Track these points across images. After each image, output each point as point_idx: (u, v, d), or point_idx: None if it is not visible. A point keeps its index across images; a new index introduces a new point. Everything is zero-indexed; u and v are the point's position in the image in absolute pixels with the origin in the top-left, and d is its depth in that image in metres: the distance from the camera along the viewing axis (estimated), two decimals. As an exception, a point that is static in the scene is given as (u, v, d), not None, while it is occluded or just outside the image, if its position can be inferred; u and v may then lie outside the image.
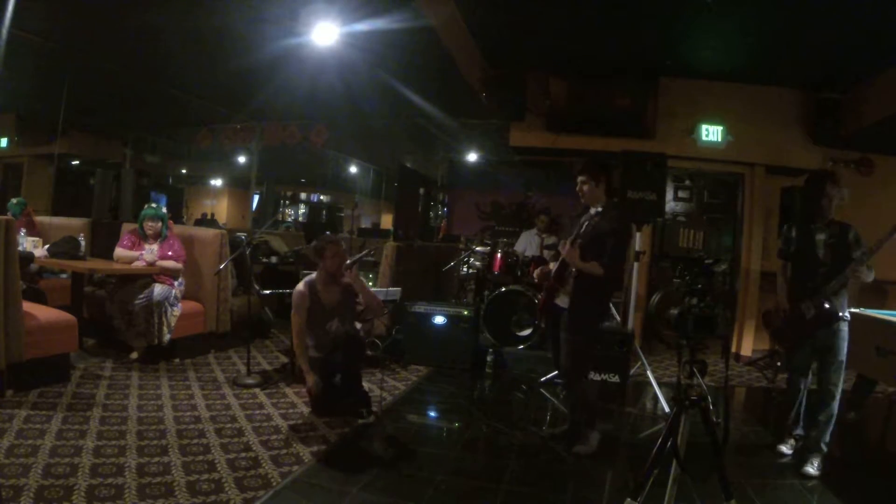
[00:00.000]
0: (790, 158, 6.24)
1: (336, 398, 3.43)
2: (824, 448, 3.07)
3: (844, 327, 3.07)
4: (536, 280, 3.39)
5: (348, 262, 3.51)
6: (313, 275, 3.52)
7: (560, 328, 3.16)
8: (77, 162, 10.37)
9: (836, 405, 3.07)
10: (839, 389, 3.07)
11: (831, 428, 3.08)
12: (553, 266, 3.23)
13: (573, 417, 3.32)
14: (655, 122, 6.22)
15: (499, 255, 6.03)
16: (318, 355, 3.45)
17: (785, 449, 3.32)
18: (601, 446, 3.19)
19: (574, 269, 3.07)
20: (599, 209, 3.16)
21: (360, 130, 9.59)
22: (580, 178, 3.21)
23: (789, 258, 3.33)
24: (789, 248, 3.32)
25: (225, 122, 9.49)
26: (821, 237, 3.13)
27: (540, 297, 3.41)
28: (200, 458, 2.67)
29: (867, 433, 4.15)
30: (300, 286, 3.43)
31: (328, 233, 5.00)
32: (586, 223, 3.16)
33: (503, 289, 5.75)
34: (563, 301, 3.16)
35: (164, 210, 4.64)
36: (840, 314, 3.03)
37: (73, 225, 5.40)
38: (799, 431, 3.34)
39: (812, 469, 2.99)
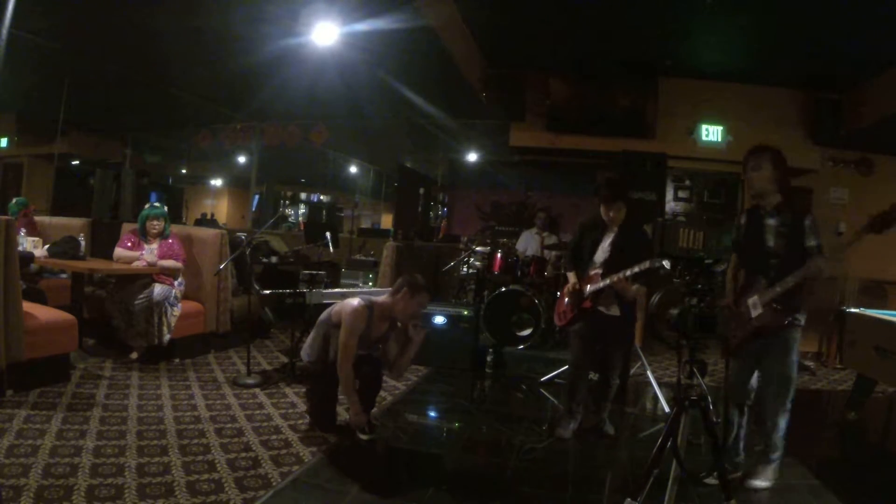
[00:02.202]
0: (790, 158, 6.09)
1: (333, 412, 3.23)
2: (773, 459, 2.69)
3: (795, 334, 2.61)
4: (564, 292, 3.53)
5: (419, 322, 3.12)
6: (375, 298, 3.09)
7: (607, 331, 3.37)
8: (77, 162, 10.36)
9: (778, 430, 2.64)
10: (783, 410, 2.62)
11: (780, 452, 2.68)
12: (589, 287, 3.37)
13: (601, 407, 3.49)
14: (655, 122, 6.22)
15: (499, 255, 6.03)
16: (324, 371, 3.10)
17: (711, 480, 2.54)
18: (601, 446, 3.23)
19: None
20: (621, 225, 3.38)
21: (360, 130, 9.60)
22: (616, 206, 3.35)
23: (739, 249, 2.89)
24: (739, 237, 2.88)
25: (225, 122, 9.49)
26: (770, 222, 2.69)
27: (563, 307, 3.54)
28: (200, 458, 2.67)
29: (867, 433, 4.15)
30: (360, 303, 2.94)
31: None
32: (613, 240, 3.36)
33: (503, 289, 5.74)
34: (609, 309, 3.33)
35: (164, 209, 4.64)
36: (791, 317, 2.58)
37: (73, 225, 5.39)
38: (740, 458, 2.82)
39: (761, 481, 2.65)
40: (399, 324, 3.14)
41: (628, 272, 3.15)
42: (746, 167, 2.81)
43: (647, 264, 3.11)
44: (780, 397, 2.64)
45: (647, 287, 3.40)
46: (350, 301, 3.00)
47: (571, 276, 3.51)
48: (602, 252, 3.38)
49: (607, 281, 3.23)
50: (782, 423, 2.66)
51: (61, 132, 8.84)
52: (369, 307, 2.98)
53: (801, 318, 2.64)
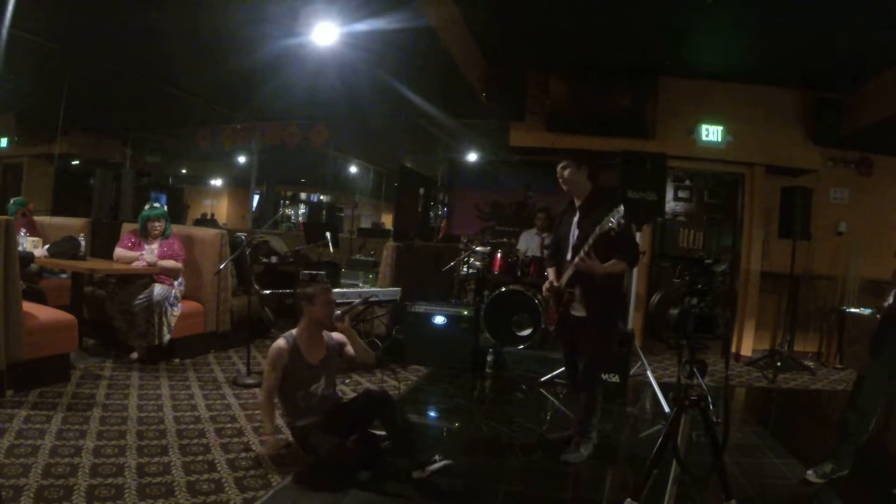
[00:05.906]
0: (790, 158, 6.25)
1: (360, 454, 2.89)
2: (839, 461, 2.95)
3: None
4: (545, 295, 3.27)
5: (339, 312, 3.03)
6: (294, 330, 3.00)
7: (577, 334, 3.10)
8: (77, 162, 10.36)
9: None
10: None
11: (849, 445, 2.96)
12: (562, 278, 3.09)
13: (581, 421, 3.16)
14: (655, 122, 6.22)
15: (499, 254, 6.03)
16: (304, 423, 2.84)
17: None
18: (601, 447, 3.19)
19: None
20: (586, 201, 3.13)
21: (360, 130, 9.60)
22: (560, 165, 3.16)
23: None
24: None
25: (225, 122, 9.49)
26: None
27: (550, 309, 3.28)
28: (200, 458, 2.67)
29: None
30: (280, 341, 2.92)
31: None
32: (578, 220, 3.12)
33: (503, 289, 5.75)
34: (577, 309, 3.08)
35: (165, 209, 4.65)
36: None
37: (73, 225, 5.39)
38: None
39: (812, 475, 2.89)
40: (331, 334, 3.07)
41: (585, 247, 2.86)
42: None
43: (597, 230, 2.81)
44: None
45: (626, 262, 3.01)
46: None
47: (551, 273, 3.23)
48: (572, 236, 3.11)
49: (575, 263, 2.95)
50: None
51: (61, 132, 8.84)
52: (289, 339, 2.92)
53: None
